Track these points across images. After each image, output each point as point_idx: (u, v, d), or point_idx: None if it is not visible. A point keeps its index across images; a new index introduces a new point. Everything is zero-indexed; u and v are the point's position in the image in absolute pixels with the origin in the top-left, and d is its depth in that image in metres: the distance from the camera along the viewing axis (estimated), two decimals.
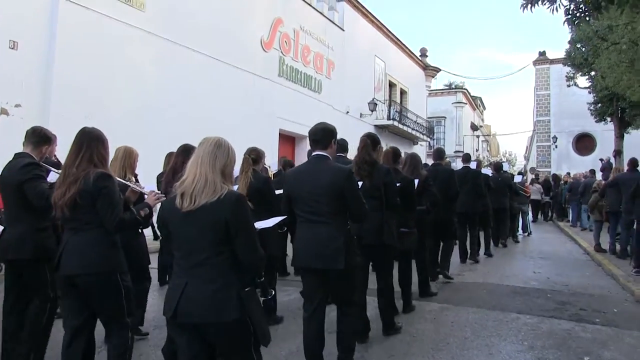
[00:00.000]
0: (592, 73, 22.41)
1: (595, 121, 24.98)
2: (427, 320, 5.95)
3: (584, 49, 23.15)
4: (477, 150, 47.74)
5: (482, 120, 54.43)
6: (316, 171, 3.90)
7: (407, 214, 5.66)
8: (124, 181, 4.02)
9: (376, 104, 23.60)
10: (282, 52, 17.46)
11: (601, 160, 24.83)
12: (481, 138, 52.04)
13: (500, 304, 6.75)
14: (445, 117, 42.10)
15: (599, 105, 23.74)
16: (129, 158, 4.99)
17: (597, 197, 11.43)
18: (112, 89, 11.13)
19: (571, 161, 35.62)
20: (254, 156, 5.68)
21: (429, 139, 32.56)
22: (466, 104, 43.94)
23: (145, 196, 3.78)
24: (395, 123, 25.47)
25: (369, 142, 4.97)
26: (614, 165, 24.27)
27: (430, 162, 10.08)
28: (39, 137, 4.06)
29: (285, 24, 17.61)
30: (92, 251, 3.24)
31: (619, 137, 23.61)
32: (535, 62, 38.45)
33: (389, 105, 25.99)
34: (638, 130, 23.77)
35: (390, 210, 5.00)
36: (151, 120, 11.83)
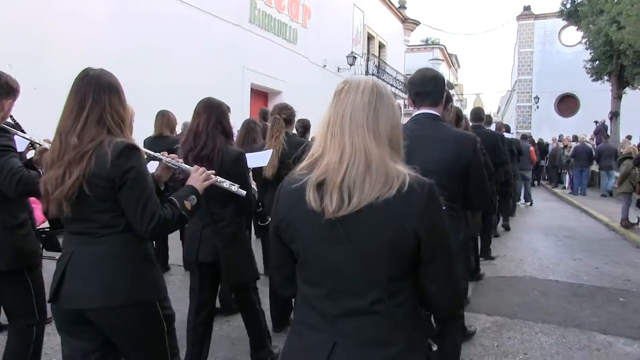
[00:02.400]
0: (591, 27, 20.73)
1: (592, 80, 23.43)
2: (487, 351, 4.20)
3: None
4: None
5: (457, 79, 52.77)
6: (428, 138, 2.74)
7: None
8: (153, 153, 2.59)
9: (355, 58, 21.53)
10: None
11: (596, 122, 23.51)
12: (455, 97, 50.42)
13: (570, 316, 5.10)
14: None
15: (597, 62, 22.12)
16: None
17: (631, 165, 9.73)
18: (53, 35, 8.84)
19: (553, 122, 34.48)
20: (286, 115, 4.45)
21: (405, 96, 30.60)
22: (443, 61, 42.13)
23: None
24: (375, 79, 23.34)
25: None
26: (609, 128, 23.16)
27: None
28: (0, 87, 2.91)
29: None
30: (115, 271, 2.16)
31: (617, 97, 22.14)
32: (519, 18, 36.76)
33: (367, 60, 23.91)
34: (635, 90, 22.33)
35: None
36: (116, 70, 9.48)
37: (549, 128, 32.01)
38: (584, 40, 23.79)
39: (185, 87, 11.49)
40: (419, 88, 2.90)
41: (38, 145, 3.06)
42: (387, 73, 25.65)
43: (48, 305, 2.38)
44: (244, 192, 2.80)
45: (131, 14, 10.69)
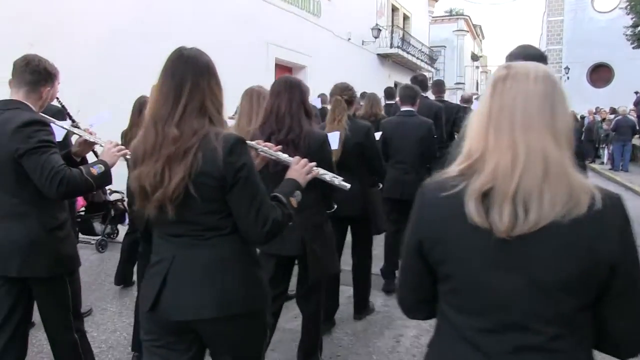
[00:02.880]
0: None
1: (633, 47, 22.28)
2: None
3: None
4: (478, 83, 45.14)
5: (481, 50, 51.42)
6: None
7: None
8: (251, 142, 2.35)
9: (380, 30, 20.75)
10: None
11: (636, 92, 22.47)
12: (480, 70, 49.25)
13: None
14: (446, 47, 38.95)
15: (639, 29, 20.99)
16: None
17: None
18: (73, 11, 8.26)
19: (585, 94, 33.06)
20: (348, 97, 4.14)
21: (433, 69, 29.75)
22: (468, 32, 40.86)
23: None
24: (400, 52, 22.62)
25: None
26: None
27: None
28: (38, 74, 2.70)
29: None
30: (228, 277, 1.93)
31: None
32: None
33: (391, 32, 23.03)
34: None
35: None
36: (121, 44, 9.02)
37: (581, 100, 30.64)
38: (624, 5, 22.62)
39: None
40: None
41: (77, 136, 2.91)
42: (413, 46, 24.76)
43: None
44: (347, 185, 2.49)
45: None
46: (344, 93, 4.10)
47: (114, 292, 5.19)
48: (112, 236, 6.89)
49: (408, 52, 23.75)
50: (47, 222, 2.64)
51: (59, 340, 2.86)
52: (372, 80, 21.03)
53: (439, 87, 8.40)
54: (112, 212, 6.60)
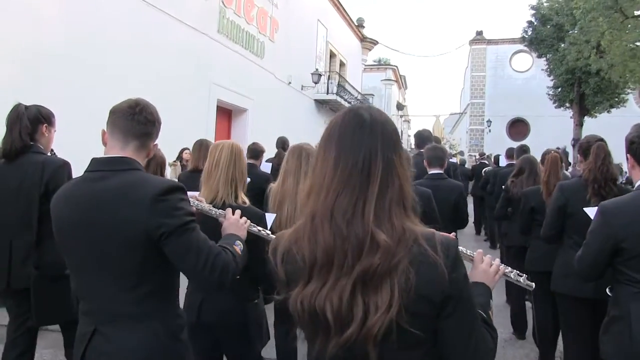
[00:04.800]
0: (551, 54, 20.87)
1: (555, 107, 23.58)
2: None
3: (549, 27, 21.55)
4: (402, 132, 45.99)
5: (404, 99, 52.78)
6: None
7: None
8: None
9: (320, 75, 20.47)
10: (223, 2, 13.78)
11: (557, 149, 23.36)
12: (403, 119, 50.37)
13: None
14: (374, 95, 39.57)
15: (559, 89, 22.13)
16: None
17: None
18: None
19: (505, 146, 34.44)
20: None
21: None
22: (395, 81, 41.80)
23: None
24: (338, 98, 22.43)
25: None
26: (570, 154, 23.08)
27: None
28: (151, 124, 2.10)
29: None
30: None
31: (579, 124, 22.12)
32: (472, 42, 36.98)
33: (328, 78, 22.85)
34: (592, 118, 22.48)
35: None
36: (46, 75, 7.90)
37: (502, 151, 32.09)
38: (545, 67, 23.83)
39: (150, 101, 10.13)
40: None
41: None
42: (349, 92, 24.70)
43: None
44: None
45: (81, 14, 9.14)
46: None
47: None
48: None
49: (345, 99, 23.62)
50: (172, 325, 1.99)
51: None
52: (309, 127, 20.68)
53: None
54: None
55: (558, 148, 22.50)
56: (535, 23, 22.96)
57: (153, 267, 1.91)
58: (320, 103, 22.05)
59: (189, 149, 11.23)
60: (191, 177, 4.71)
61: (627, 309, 2.52)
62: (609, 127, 27.61)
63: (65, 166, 3.24)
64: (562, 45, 20.74)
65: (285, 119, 17.81)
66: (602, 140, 3.91)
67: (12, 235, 3.12)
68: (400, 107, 45.05)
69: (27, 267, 3.13)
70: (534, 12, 23.20)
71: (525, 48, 28.09)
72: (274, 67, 17.14)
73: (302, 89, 19.98)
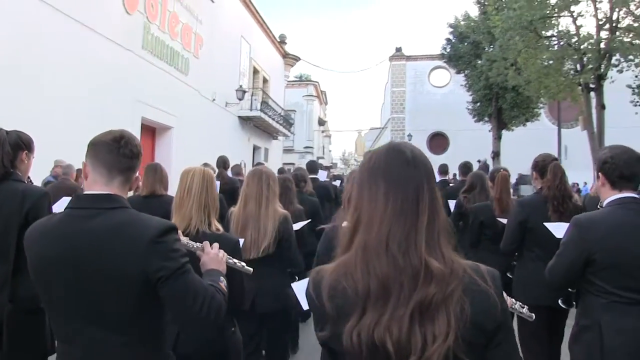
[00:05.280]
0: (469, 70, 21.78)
1: (475, 121, 24.41)
2: None
3: (466, 44, 22.42)
4: (324, 148, 46.38)
5: (325, 115, 53.30)
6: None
7: None
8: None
9: (245, 92, 20.23)
10: (147, 17, 13.32)
11: (479, 161, 24.19)
12: (324, 134, 50.80)
13: None
14: (296, 111, 39.71)
15: (478, 104, 23.01)
16: None
17: None
18: None
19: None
20: None
21: (290, 133, 29.84)
22: (316, 97, 42.06)
23: None
24: (262, 115, 22.22)
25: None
26: (490, 167, 23.97)
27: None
28: (135, 158, 1.99)
29: None
30: None
31: (497, 138, 23.04)
32: (392, 58, 37.87)
33: (252, 95, 22.61)
34: (509, 131, 23.54)
35: None
36: None
37: None
38: (463, 83, 24.73)
39: (72, 120, 9.65)
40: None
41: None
42: (273, 109, 24.58)
43: None
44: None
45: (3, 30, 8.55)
46: None
47: None
48: None
49: (268, 116, 23.45)
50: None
51: None
52: (234, 143, 20.39)
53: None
54: None
55: (479, 161, 23.39)
56: (454, 40, 23.81)
57: (144, 310, 1.83)
58: (244, 120, 21.76)
59: None
60: (145, 202, 4.45)
61: (598, 319, 2.63)
62: (524, 139, 29.24)
63: (46, 196, 3.10)
64: (479, 61, 21.64)
65: (210, 136, 17.49)
66: (556, 159, 4.19)
67: None
68: (321, 122, 45.40)
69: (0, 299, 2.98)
70: (451, 29, 24.06)
71: (443, 64, 29.20)
72: (199, 83, 16.77)
73: (226, 106, 19.65)
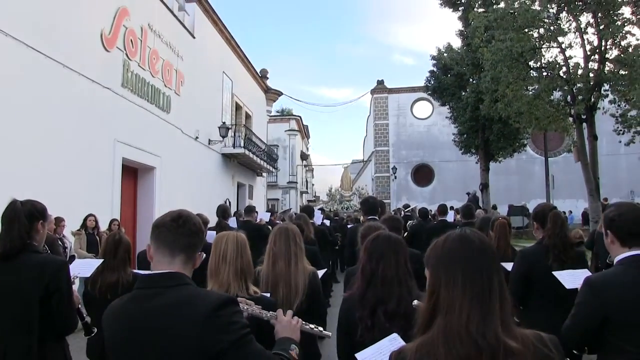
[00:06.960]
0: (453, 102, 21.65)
1: (462, 153, 24.15)
2: None
3: (449, 76, 22.31)
4: (307, 182, 45.94)
5: (307, 149, 53.03)
6: None
7: None
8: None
9: (228, 129, 19.75)
10: (127, 54, 12.80)
11: (468, 193, 23.97)
12: (307, 168, 50.44)
13: None
14: (278, 146, 39.33)
15: (465, 136, 22.79)
16: None
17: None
18: None
19: (410, 192, 35.67)
20: None
21: (273, 169, 29.33)
22: (299, 131, 41.77)
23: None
24: (246, 152, 21.71)
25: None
26: (480, 199, 23.68)
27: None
28: (197, 236, 2.11)
29: (132, 17, 12.99)
30: None
31: (485, 169, 22.78)
32: (374, 91, 37.80)
33: (235, 131, 22.10)
34: (496, 163, 23.35)
35: None
36: None
37: (409, 198, 32.85)
38: (448, 115, 24.59)
39: (49, 163, 9.04)
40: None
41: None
42: (256, 145, 24.09)
43: None
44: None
45: None
46: None
47: None
48: None
49: (252, 152, 22.94)
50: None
51: None
52: (217, 182, 19.84)
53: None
54: None
55: (468, 193, 23.10)
56: (437, 72, 23.69)
57: None
58: (227, 157, 21.21)
59: (94, 216, 10.17)
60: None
61: None
62: (510, 168, 29.22)
63: (64, 266, 3.13)
64: (464, 93, 21.51)
65: (193, 175, 16.99)
66: (555, 208, 4.29)
67: (7, 340, 2.94)
68: (304, 156, 45.06)
69: None
70: (434, 62, 23.98)
71: (426, 96, 29.14)
72: (181, 121, 16.25)
73: (209, 144, 19.13)
